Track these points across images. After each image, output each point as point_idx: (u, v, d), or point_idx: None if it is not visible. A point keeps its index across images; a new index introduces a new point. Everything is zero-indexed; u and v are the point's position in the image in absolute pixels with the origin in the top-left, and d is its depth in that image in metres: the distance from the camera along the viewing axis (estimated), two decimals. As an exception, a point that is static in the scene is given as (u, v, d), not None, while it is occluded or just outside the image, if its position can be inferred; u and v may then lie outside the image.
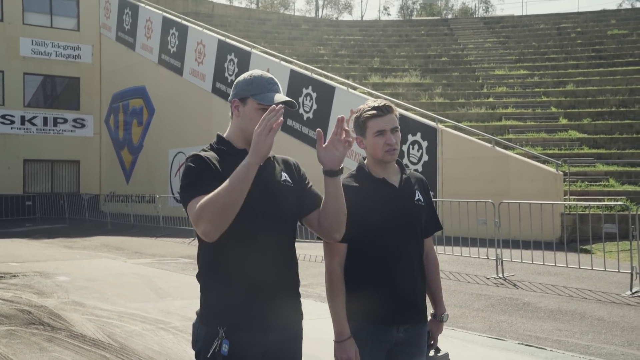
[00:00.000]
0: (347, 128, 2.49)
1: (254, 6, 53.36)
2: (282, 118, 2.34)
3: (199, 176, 2.49)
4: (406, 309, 2.87)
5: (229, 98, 2.72)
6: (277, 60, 20.40)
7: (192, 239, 16.94)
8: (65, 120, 29.77)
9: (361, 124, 2.91)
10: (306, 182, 2.77)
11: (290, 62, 20.54)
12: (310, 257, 12.45)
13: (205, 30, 23.54)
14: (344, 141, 2.49)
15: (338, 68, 25.64)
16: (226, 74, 21.88)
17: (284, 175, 2.69)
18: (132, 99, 27.83)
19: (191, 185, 2.47)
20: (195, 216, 2.38)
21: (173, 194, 23.67)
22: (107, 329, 7.08)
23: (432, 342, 3.05)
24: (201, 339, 2.52)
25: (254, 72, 2.71)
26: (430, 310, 3.09)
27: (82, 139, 30.13)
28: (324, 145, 2.51)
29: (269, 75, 2.69)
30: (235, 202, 2.33)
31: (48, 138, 29.25)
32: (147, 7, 26.90)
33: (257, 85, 2.63)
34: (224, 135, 2.72)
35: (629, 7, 47.84)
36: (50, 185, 29.43)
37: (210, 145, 2.69)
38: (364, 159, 3.00)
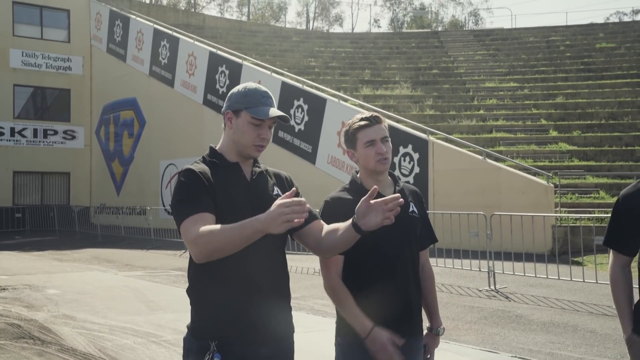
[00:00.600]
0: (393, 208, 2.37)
1: (244, 18, 53.50)
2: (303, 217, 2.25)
3: (192, 192, 2.47)
4: (402, 322, 2.85)
5: (222, 110, 2.71)
6: (269, 72, 20.44)
7: (184, 251, 16.86)
8: (56, 132, 29.66)
9: (351, 136, 2.92)
10: (298, 197, 2.76)
11: (282, 74, 20.59)
12: (302, 269, 12.42)
13: (196, 42, 23.57)
14: (386, 215, 2.35)
15: (329, 80, 25.71)
16: (217, 86, 21.90)
17: (277, 190, 2.69)
18: (123, 110, 27.77)
19: (184, 202, 2.46)
20: (189, 240, 2.37)
21: (164, 205, 23.58)
22: (98, 343, 7.02)
23: (429, 355, 3.04)
24: (192, 353, 2.50)
25: (248, 84, 2.71)
26: (426, 323, 3.08)
27: (73, 150, 30.01)
28: (371, 202, 2.37)
29: (264, 88, 2.69)
30: (229, 251, 2.32)
31: (38, 150, 29.12)
32: (138, 19, 26.91)
33: (251, 98, 2.62)
34: (217, 148, 2.70)
35: (616, 20, 48.31)
36: (40, 197, 29.27)
37: (203, 157, 2.67)
38: (357, 172, 2.99)
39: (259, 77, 20.14)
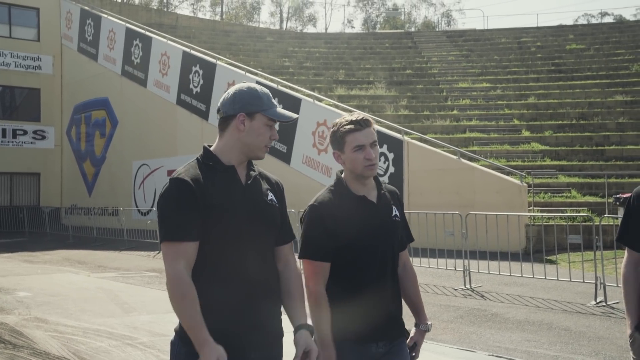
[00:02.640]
0: None
1: (218, 18, 53.16)
2: None
3: (180, 210, 2.44)
4: (385, 325, 2.85)
5: (227, 111, 2.61)
6: (243, 72, 20.35)
7: (157, 252, 16.70)
8: (25, 132, 29.17)
9: (339, 138, 2.85)
10: (285, 207, 2.76)
11: (256, 74, 20.52)
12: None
13: (169, 42, 23.37)
14: None
15: (303, 80, 25.69)
16: (191, 86, 21.73)
17: (270, 195, 2.67)
18: (95, 110, 27.42)
19: (172, 220, 2.45)
20: (166, 272, 2.44)
21: (137, 206, 23.34)
22: (72, 346, 6.90)
23: (414, 353, 3.01)
24: (182, 357, 2.47)
25: (252, 85, 2.67)
26: (412, 320, 3.06)
27: (43, 150, 29.54)
28: None
29: (266, 89, 2.70)
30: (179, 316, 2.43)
31: (7, 150, 28.59)
32: (110, 17, 26.60)
33: (265, 100, 2.62)
34: (212, 149, 2.65)
35: (584, 22, 49.04)
36: (9, 198, 28.76)
37: (197, 159, 2.62)
38: (341, 172, 2.94)
39: (233, 77, 20.04)
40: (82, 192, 28.04)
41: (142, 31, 24.58)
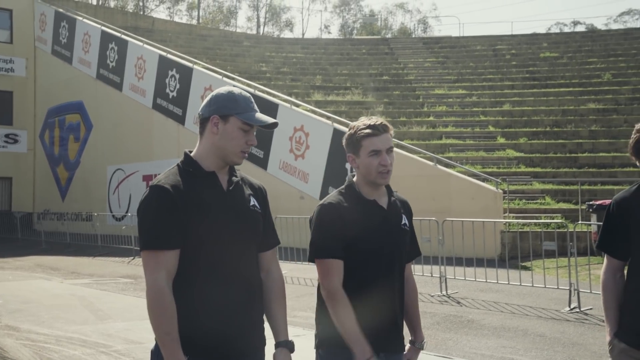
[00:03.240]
0: None
1: (194, 22, 52.91)
2: None
3: (161, 219, 2.42)
4: (388, 335, 2.80)
5: (204, 114, 2.58)
6: (220, 77, 20.26)
7: (132, 258, 16.55)
8: (-3, 136, 28.72)
9: (355, 142, 2.80)
10: (269, 212, 2.74)
11: (233, 79, 20.44)
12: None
13: (145, 45, 23.19)
14: None
15: (280, 85, 25.66)
16: (167, 90, 21.58)
17: (253, 200, 2.64)
18: (69, 114, 27.08)
19: (152, 229, 2.42)
20: (146, 281, 2.41)
21: (112, 211, 23.09)
22: (45, 355, 6.79)
23: None
24: None
25: (232, 89, 2.63)
26: (408, 337, 3.02)
27: (15, 154, 29.08)
28: None
29: (247, 93, 2.63)
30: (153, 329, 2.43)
31: (-22, 154, 28.13)
32: (85, 20, 26.32)
33: (241, 103, 2.55)
34: (193, 154, 2.61)
35: (557, 31, 49.76)
36: (-20, 203, 28.26)
37: (178, 165, 2.59)
38: (353, 176, 2.90)
39: (210, 81, 19.95)
40: (55, 197, 27.65)
41: (118, 34, 24.36)
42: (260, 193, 2.72)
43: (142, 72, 22.71)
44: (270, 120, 2.56)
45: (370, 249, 2.75)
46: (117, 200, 23.50)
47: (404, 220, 2.90)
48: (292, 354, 2.66)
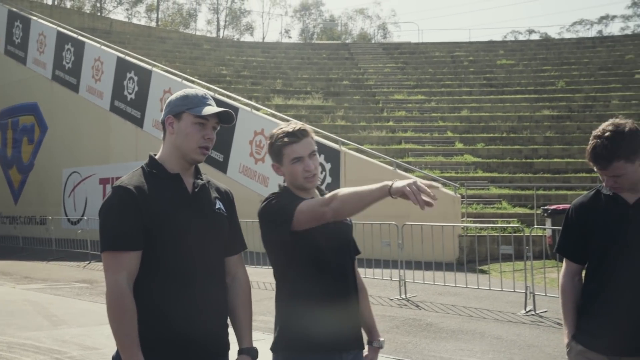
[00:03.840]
0: None
1: (153, 24, 52.32)
2: None
3: (122, 219, 2.39)
4: (350, 334, 2.77)
5: (161, 118, 2.60)
6: (179, 80, 20.07)
7: (88, 262, 16.25)
8: (-53, 137, 27.88)
9: (277, 151, 2.76)
10: (236, 216, 2.71)
11: (193, 82, 20.27)
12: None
13: (103, 47, 22.82)
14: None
15: (241, 89, 25.56)
16: (125, 92, 21.27)
17: (219, 203, 2.62)
18: (23, 115, 26.46)
19: (113, 229, 2.40)
20: (107, 283, 2.38)
21: (67, 215, 22.63)
22: (-4, 362, 6.61)
23: None
24: None
25: (186, 89, 2.64)
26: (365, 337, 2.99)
27: (-34, 156, 28.27)
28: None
29: (204, 90, 2.63)
30: (110, 324, 2.39)
31: None
32: (40, 20, 25.77)
33: (192, 99, 2.55)
34: (157, 157, 2.59)
35: (512, 39, 50.75)
36: None
37: (142, 167, 2.56)
38: (284, 182, 2.86)
39: (170, 84, 19.74)
40: (7, 200, 26.96)
41: (75, 35, 23.92)
42: (226, 197, 2.70)
43: (100, 74, 22.34)
44: (218, 109, 2.54)
45: (323, 245, 2.70)
46: (72, 203, 23.05)
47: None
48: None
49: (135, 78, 21.01)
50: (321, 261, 2.70)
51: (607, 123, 2.88)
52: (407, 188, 2.30)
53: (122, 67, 21.58)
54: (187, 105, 2.53)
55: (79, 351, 7.03)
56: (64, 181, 23.67)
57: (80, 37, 23.66)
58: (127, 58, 21.84)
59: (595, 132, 2.88)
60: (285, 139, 2.73)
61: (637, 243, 2.80)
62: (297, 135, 2.73)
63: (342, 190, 2.52)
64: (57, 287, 12.65)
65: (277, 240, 2.69)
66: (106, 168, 21.43)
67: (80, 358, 6.72)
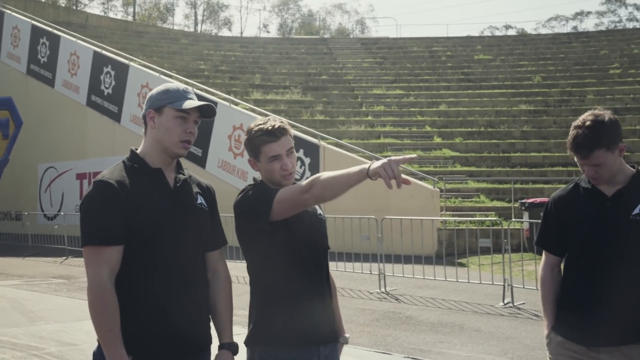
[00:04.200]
0: None
1: (130, 18, 51.87)
2: None
3: (104, 213, 2.38)
4: (326, 328, 2.78)
5: (142, 113, 2.59)
6: (157, 74, 19.91)
7: (65, 257, 16.09)
8: None
9: (254, 147, 2.74)
10: (217, 211, 2.71)
11: (171, 77, 20.14)
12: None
13: (78, 41, 22.55)
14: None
15: (219, 84, 25.44)
16: (102, 87, 21.05)
17: (200, 198, 2.61)
18: (-3, 110, 26.08)
19: (94, 224, 2.38)
20: (88, 278, 2.36)
21: (43, 210, 22.38)
22: (-27, 359, 6.52)
23: None
24: None
25: (167, 84, 2.63)
26: None
27: (-61, 152, 27.79)
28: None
29: (184, 85, 2.62)
30: (92, 318, 2.37)
31: None
32: (14, 14, 25.38)
33: (173, 93, 2.54)
34: (138, 151, 2.58)
35: (489, 34, 51.08)
36: None
37: (123, 162, 2.55)
38: (260, 177, 2.85)
39: (147, 79, 19.58)
40: (-18, 196, 26.58)
41: (50, 29, 23.60)
42: (208, 192, 2.70)
43: (76, 68, 22.08)
44: (199, 102, 2.54)
45: (302, 239, 2.71)
46: (48, 199, 22.79)
47: (319, 211, 2.91)
48: (235, 356, 2.64)
49: (112, 72, 20.80)
50: (298, 255, 2.70)
51: (587, 114, 2.91)
52: (382, 170, 2.30)
53: (99, 61, 21.35)
54: (168, 99, 2.52)
55: (57, 347, 6.96)
56: (40, 176, 23.38)
57: (55, 31, 23.35)
58: (104, 52, 21.61)
59: (575, 123, 2.90)
60: (264, 138, 2.71)
61: (616, 235, 2.83)
62: (276, 134, 2.72)
63: (322, 176, 2.51)
64: (34, 283, 12.50)
65: (254, 232, 2.68)
66: (83, 163, 21.21)
67: (59, 354, 6.65)
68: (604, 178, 2.87)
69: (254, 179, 2.85)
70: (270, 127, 2.72)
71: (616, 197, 2.88)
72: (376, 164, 2.35)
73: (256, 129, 2.74)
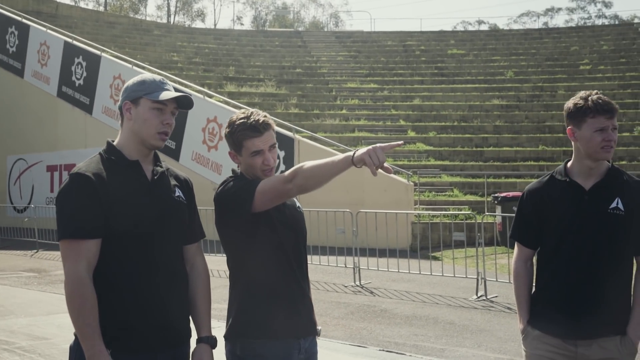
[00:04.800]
0: None
1: (102, 8, 51.16)
2: None
3: (80, 206, 2.35)
4: (306, 320, 2.79)
5: (118, 104, 2.55)
6: (130, 66, 19.67)
7: (35, 250, 15.85)
8: None
9: (236, 141, 2.72)
10: (195, 204, 2.69)
11: (144, 68, 19.89)
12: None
13: (49, 31, 22.16)
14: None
15: (193, 76, 25.22)
16: (73, 78, 20.73)
17: (178, 191, 2.59)
18: (-36, 100, 25.52)
19: (71, 217, 2.35)
20: (65, 272, 2.34)
21: (12, 203, 22.01)
22: (-59, 355, 6.39)
23: None
24: None
25: (143, 75, 2.60)
26: None
27: None
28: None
29: (160, 76, 2.60)
30: (70, 313, 2.34)
31: None
32: (-18, 2, 24.86)
33: (149, 85, 2.51)
34: (115, 143, 2.54)
35: (463, 29, 51.49)
36: None
37: (100, 154, 2.51)
38: (238, 167, 2.84)
39: (120, 70, 19.34)
40: (-51, 189, 26.05)
41: (19, 18, 23.17)
42: (186, 185, 2.68)
43: (46, 58, 21.71)
44: (176, 94, 2.52)
45: (279, 233, 2.73)
46: (18, 191, 22.42)
47: (297, 203, 2.94)
48: (214, 350, 2.63)
49: (84, 63, 20.50)
50: (279, 248, 2.70)
51: (579, 94, 2.93)
52: (368, 157, 2.30)
53: (70, 51, 21.01)
54: (145, 91, 2.49)
55: (28, 341, 6.86)
56: (9, 168, 22.98)
57: (24, 21, 22.92)
58: (75, 43, 21.28)
59: (579, 96, 2.90)
60: (247, 132, 2.69)
61: (593, 229, 2.85)
62: (259, 130, 2.70)
63: (304, 165, 2.50)
64: (4, 276, 12.29)
65: (235, 224, 2.66)
66: (54, 155, 20.90)
67: (30, 348, 6.55)
68: (613, 147, 2.86)
69: (233, 170, 2.83)
70: (253, 122, 2.70)
71: (594, 190, 2.89)
72: (361, 151, 2.35)
73: (239, 122, 2.72)
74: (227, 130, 2.76)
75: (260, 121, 2.71)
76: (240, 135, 2.70)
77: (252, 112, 2.77)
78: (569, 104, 2.95)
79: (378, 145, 2.34)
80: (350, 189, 14.89)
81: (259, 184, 2.58)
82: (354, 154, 2.37)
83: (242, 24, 63.35)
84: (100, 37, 28.42)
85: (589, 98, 2.86)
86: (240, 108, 17.43)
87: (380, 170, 2.36)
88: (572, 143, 2.96)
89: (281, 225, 2.71)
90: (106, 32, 30.71)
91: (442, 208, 15.37)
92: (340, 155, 2.47)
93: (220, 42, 32.93)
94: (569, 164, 3.00)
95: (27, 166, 22.21)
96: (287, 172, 2.54)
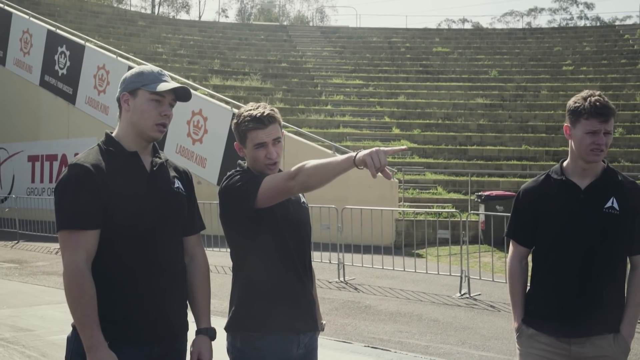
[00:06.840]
0: None
1: (85, -3, 50.49)
2: None
3: (79, 196, 2.34)
4: (307, 316, 2.80)
5: (117, 95, 2.55)
6: (114, 56, 19.48)
7: (16, 241, 15.69)
8: None
9: (241, 132, 2.75)
10: (194, 196, 2.69)
11: (128, 59, 19.73)
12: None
13: (32, 19, 21.88)
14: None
15: (177, 68, 25.06)
16: (57, 67, 20.49)
17: (177, 182, 2.60)
18: (-56, 88, 25.12)
19: (69, 208, 2.35)
20: (64, 263, 2.34)
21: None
22: None
23: None
24: (79, 353, 2.34)
25: (141, 67, 2.60)
26: None
27: None
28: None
29: (158, 68, 2.60)
30: (69, 303, 2.34)
31: None
32: (-38, -12, 24.47)
33: (147, 76, 2.52)
34: (114, 135, 2.54)
35: (447, 27, 51.61)
36: None
37: (99, 145, 2.51)
38: (244, 162, 2.84)
39: (104, 60, 19.16)
40: None
41: (1, 5, 22.84)
42: (185, 176, 2.68)
43: (29, 47, 21.44)
44: (174, 84, 2.52)
45: (285, 231, 2.74)
46: (-1, 181, 22.16)
47: (303, 199, 2.95)
48: (213, 342, 2.64)
49: (67, 53, 20.27)
50: (282, 243, 2.71)
51: (582, 93, 2.92)
52: (369, 158, 2.32)
53: (53, 40, 20.77)
54: (142, 82, 2.50)
55: (11, 333, 6.80)
56: (-11, 158, 22.69)
57: (6, 8, 22.60)
58: (58, 32, 21.04)
59: (583, 95, 2.89)
60: (252, 124, 2.71)
61: (589, 228, 2.89)
62: (264, 122, 2.71)
63: (308, 164, 2.52)
64: (-16, 268, 12.17)
65: (239, 218, 2.67)
66: (35, 145, 20.67)
67: (14, 340, 6.50)
68: (605, 151, 2.88)
69: (239, 163, 2.85)
70: (258, 114, 2.72)
71: (589, 189, 2.92)
72: (363, 152, 2.37)
73: (245, 114, 2.74)
74: (234, 121, 2.80)
75: (266, 114, 2.73)
76: (244, 126, 2.73)
77: (259, 105, 2.79)
78: (571, 101, 2.96)
79: (382, 148, 2.36)
80: (335, 185, 14.84)
81: (263, 181, 2.60)
82: (357, 154, 2.39)
83: (227, 17, 63.14)
84: (84, 26, 28.11)
85: (588, 99, 2.87)
86: (225, 102, 17.40)
87: (382, 173, 2.38)
88: (568, 141, 2.99)
89: (284, 221, 2.72)
90: (90, 22, 30.38)
91: (425, 205, 15.44)
92: (342, 156, 2.49)
93: (205, 35, 32.74)
94: (565, 163, 3.03)
95: (7, 156, 21.94)
96: (291, 169, 2.56)
